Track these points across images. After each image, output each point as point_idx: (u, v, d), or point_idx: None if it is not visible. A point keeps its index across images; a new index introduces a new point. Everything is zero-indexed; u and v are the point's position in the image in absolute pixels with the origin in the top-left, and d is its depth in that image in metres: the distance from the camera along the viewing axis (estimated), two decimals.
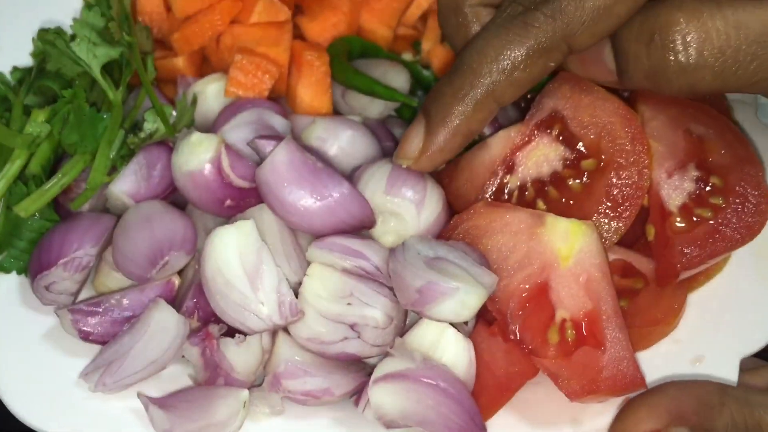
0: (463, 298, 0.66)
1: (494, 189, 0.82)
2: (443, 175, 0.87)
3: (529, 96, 0.96)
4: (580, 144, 0.80)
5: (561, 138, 0.81)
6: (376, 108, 0.92)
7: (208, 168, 0.73)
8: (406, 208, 0.73)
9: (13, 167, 0.77)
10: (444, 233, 0.77)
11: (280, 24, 0.91)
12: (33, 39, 0.88)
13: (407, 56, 1.01)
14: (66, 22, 0.94)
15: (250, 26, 0.90)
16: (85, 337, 0.70)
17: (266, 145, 0.76)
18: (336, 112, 0.92)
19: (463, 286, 0.65)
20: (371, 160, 0.83)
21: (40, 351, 0.72)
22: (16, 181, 0.77)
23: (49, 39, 0.81)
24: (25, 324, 0.74)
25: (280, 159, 0.71)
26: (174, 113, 0.84)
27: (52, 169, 0.80)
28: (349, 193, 0.72)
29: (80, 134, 0.77)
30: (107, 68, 0.81)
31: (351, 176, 0.81)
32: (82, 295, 0.76)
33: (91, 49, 0.80)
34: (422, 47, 1.00)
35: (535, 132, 0.82)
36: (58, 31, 0.84)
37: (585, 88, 0.82)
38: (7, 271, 0.76)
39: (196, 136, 0.74)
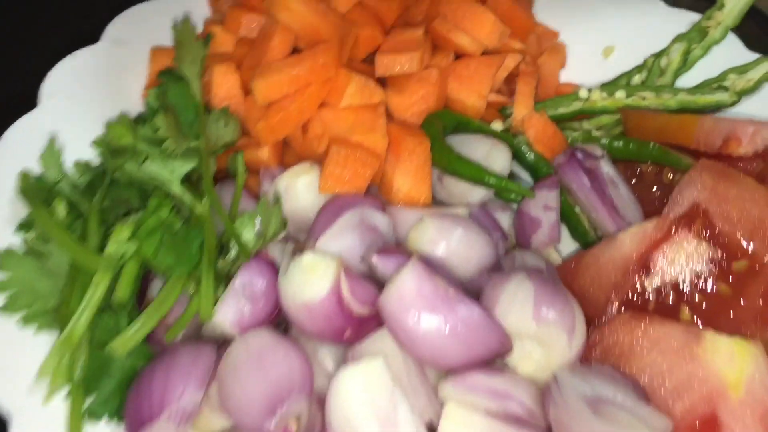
0: None
1: (627, 292, 0.74)
2: (562, 272, 0.79)
3: (658, 192, 0.84)
4: (728, 241, 0.72)
5: (705, 235, 0.73)
6: (477, 194, 0.83)
7: (326, 297, 0.63)
8: (557, 337, 0.64)
9: (96, 294, 0.68)
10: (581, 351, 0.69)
11: (373, 107, 0.82)
12: (97, 145, 0.80)
13: (497, 124, 0.93)
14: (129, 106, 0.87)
15: (341, 110, 0.81)
16: None
17: (386, 264, 0.67)
18: (432, 197, 0.83)
19: None
20: (486, 260, 0.75)
21: None
22: (101, 310, 0.68)
23: (118, 164, 0.72)
24: None
25: (409, 288, 0.62)
26: (258, 220, 0.74)
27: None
28: (485, 324, 0.63)
29: (175, 255, 0.67)
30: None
31: (472, 284, 0.73)
32: None
33: (166, 165, 0.71)
34: (514, 114, 0.91)
35: (675, 228, 0.73)
36: (128, 145, 0.73)
37: (729, 178, 0.73)
38: (98, 416, 0.66)
39: (309, 259, 0.65)
